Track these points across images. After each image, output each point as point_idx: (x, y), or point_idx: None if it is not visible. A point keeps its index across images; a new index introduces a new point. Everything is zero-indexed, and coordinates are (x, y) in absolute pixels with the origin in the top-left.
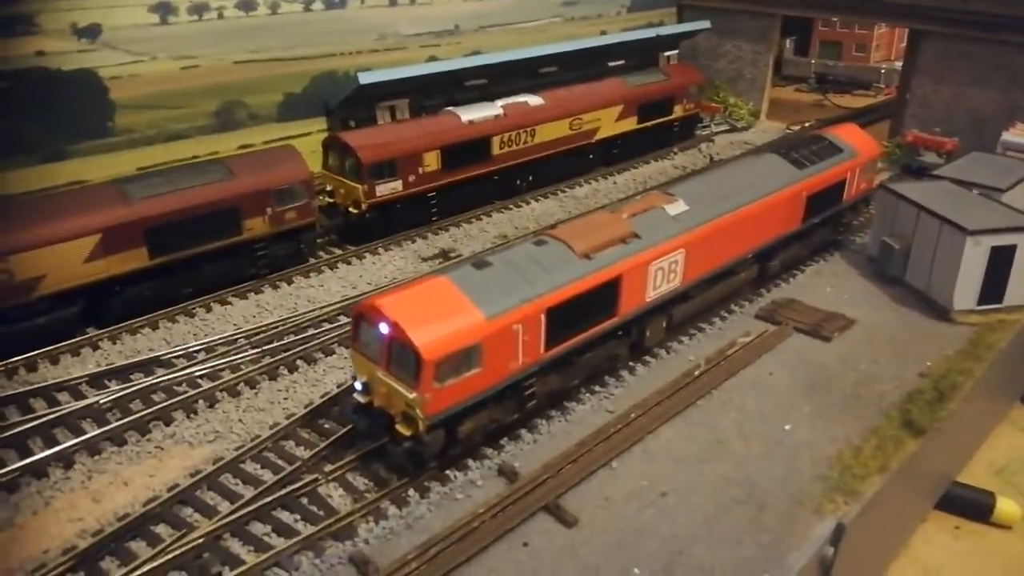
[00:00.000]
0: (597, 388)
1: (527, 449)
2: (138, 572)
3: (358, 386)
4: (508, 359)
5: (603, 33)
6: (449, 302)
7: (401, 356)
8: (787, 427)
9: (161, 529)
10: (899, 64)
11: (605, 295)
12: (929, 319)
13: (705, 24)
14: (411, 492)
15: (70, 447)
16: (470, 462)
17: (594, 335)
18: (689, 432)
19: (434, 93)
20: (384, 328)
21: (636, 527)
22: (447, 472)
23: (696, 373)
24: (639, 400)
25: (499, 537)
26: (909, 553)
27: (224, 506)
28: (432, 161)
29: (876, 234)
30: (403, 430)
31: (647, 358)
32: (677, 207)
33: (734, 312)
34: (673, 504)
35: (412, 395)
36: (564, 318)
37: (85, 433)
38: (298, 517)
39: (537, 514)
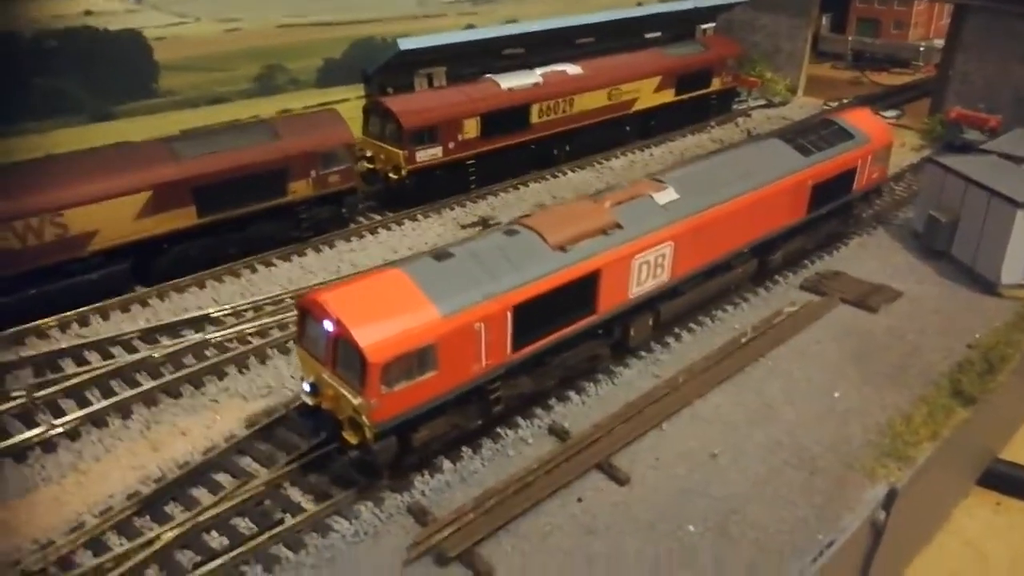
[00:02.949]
0: (643, 353)
1: (576, 410)
2: (202, 516)
3: (306, 387)
4: (469, 361)
5: (639, 4)
6: (402, 297)
7: (346, 357)
8: (836, 394)
9: (221, 477)
10: (938, 42)
11: (582, 291)
12: (976, 293)
13: None
14: (464, 448)
15: (127, 398)
16: (520, 420)
17: (570, 334)
18: (738, 397)
19: (471, 61)
20: (328, 325)
21: (688, 486)
22: (498, 430)
23: (743, 340)
24: (686, 366)
25: (553, 492)
26: (952, 526)
27: (281, 456)
28: (472, 128)
29: (921, 208)
30: (350, 437)
31: (692, 325)
32: (666, 195)
33: (778, 282)
34: (724, 465)
35: (358, 400)
36: (534, 316)
37: (141, 385)
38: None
39: (590, 472)
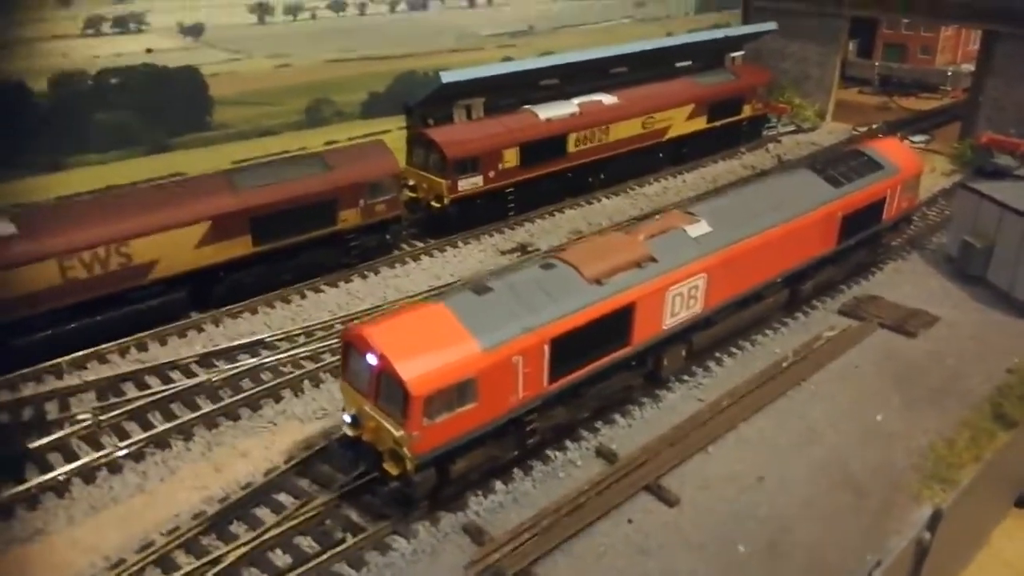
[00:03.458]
0: (686, 377)
1: (622, 432)
2: (266, 535)
3: (347, 418)
4: (507, 393)
5: (669, 34)
6: (444, 331)
7: (389, 390)
8: (879, 417)
9: (283, 497)
10: (966, 67)
11: (617, 323)
12: (1013, 318)
13: (772, 26)
14: (515, 469)
15: (188, 420)
16: (568, 443)
17: (604, 366)
18: (781, 421)
19: (509, 92)
20: (372, 359)
21: (736, 508)
22: (548, 452)
23: (784, 365)
24: (728, 389)
25: (604, 514)
26: (991, 548)
27: (340, 477)
28: (511, 157)
29: (955, 234)
30: (391, 469)
31: (732, 349)
32: (699, 228)
33: (816, 307)
34: (771, 488)
35: (400, 432)
36: (570, 349)
37: (200, 408)
38: None
39: (639, 493)
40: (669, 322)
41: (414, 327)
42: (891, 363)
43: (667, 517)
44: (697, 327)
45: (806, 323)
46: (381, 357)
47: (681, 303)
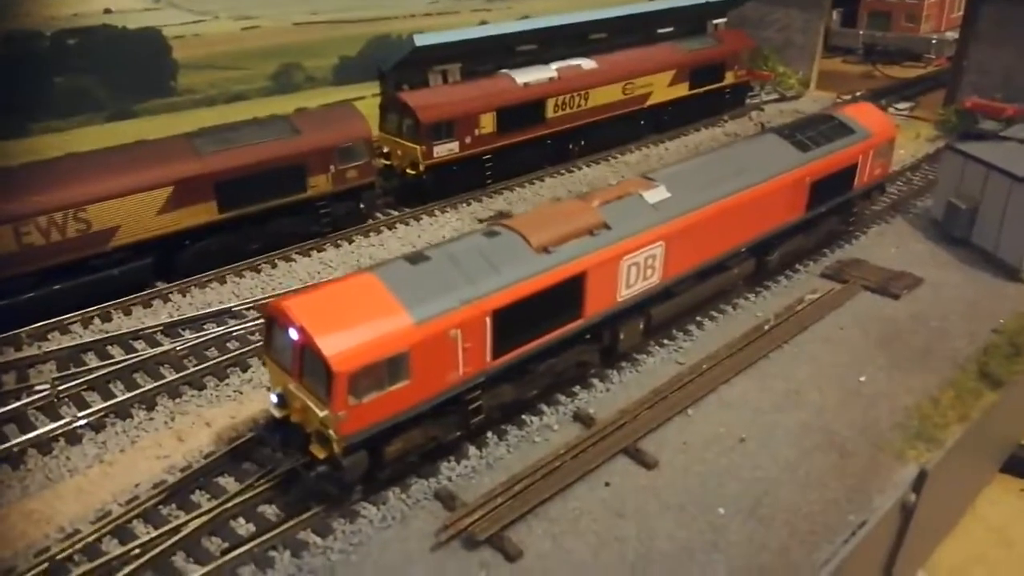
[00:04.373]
0: (666, 341)
1: (600, 396)
2: (229, 504)
3: (273, 398)
4: (445, 370)
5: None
6: (373, 304)
7: (312, 367)
8: (862, 378)
9: (248, 466)
10: (950, 35)
11: (567, 294)
12: (998, 279)
13: None
14: (489, 434)
15: (151, 390)
16: (544, 407)
17: (554, 340)
18: (763, 383)
19: (485, 58)
20: (293, 334)
21: (717, 470)
22: (523, 416)
23: (766, 327)
24: (709, 353)
25: (581, 477)
26: (975, 512)
27: None
28: (488, 123)
29: (941, 196)
30: (317, 452)
31: (713, 313)
32: (657, 194)
33: (799, 271)
34: (753, 449)
35: (324, 413)
36: (516, 321)
37: (164, 378)
38: None
39: (617, 457)
40: (624, 293)
41: (339, 299)
42: (875, 325)
43: (645, 480)
44: (656, 299)
45: (788, 286)
46: (302, 331)
47: (637, 273)
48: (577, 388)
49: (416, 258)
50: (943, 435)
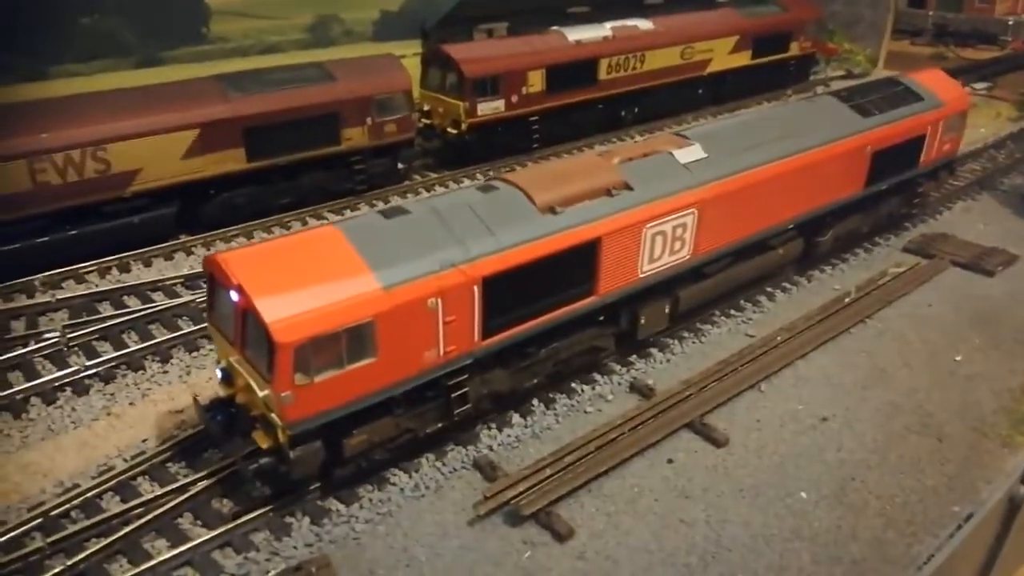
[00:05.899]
0: (733, 312)
1: (660, 368)
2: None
3: (219, 373)
4: (421, 347)
5: None
6: (333, 262)
7: (255, 336)
8: (958, 358)
9: None
10: None
11: (576, 265)
12: None
13: None
14: (535, 402)
15: (167, 341)
16: (597, 376)
17: (560, 319)
18: (845, 359)
19: (534, 18)
20: (234, 295)
21: (796, 451)
22: (573, 385)
23: (846, 301)
24: (782, 325)
25: (639, 452)
26: None
27: None
28: (536, 81)
29: None
30: (261, 440)
31: (786, 284)
32: (690, 153)
33: (879, 244)
34: (837, 429)
35: (265, 392)
36: (512, 294)
37: (181, 330)
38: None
39: (680, 432)
40: (647, 268)
41: (292, 255)
42: (968, 302)
43: (714, 459)
44: (685, 278)
45: (868, 260)
46: (241, 292)
47: (663, 245)
48: (633, 357)
49: (393, 212)
50: None
